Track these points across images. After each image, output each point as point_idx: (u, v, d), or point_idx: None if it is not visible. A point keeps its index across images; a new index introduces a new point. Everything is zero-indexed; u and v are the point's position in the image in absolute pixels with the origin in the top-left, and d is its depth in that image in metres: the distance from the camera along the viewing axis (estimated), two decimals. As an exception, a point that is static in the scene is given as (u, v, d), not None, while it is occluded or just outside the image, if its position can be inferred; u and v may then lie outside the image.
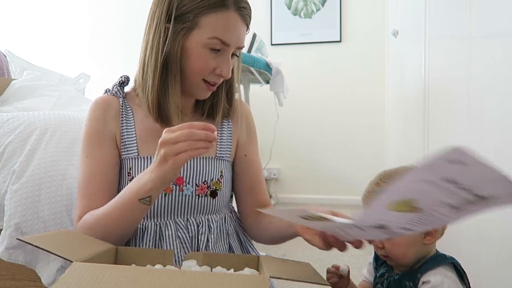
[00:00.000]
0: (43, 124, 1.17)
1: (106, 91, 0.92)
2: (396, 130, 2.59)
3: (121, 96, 0.91)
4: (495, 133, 1.00)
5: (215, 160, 0.90)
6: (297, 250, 2.01)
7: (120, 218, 0.75)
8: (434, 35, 1.61)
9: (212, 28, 0.80)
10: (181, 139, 0.66)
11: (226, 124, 0.95)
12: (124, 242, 0.80)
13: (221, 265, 0.68)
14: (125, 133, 0.87)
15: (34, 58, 2.30)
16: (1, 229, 1.08)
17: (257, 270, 0.69)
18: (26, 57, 2.10)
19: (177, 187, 0.85)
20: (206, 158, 0.89)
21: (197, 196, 0.86)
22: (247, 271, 0.66)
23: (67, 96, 1.64)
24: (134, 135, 0.87)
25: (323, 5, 3.14)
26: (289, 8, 3.20)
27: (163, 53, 0.81)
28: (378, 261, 0.91)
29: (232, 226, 0.92)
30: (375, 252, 0.88)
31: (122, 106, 0.89)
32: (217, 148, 0.92)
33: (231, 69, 0.85)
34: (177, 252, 0.82)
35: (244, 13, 0.83)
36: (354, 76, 3.11)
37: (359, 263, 1.87)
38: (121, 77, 0.94)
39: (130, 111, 0.89)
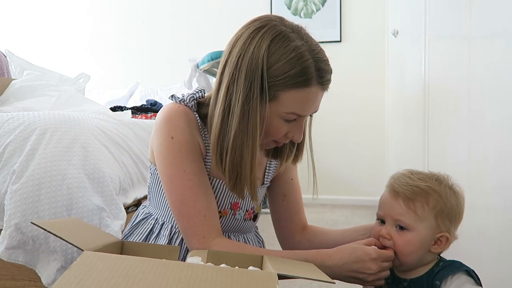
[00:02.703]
0: (43, 124, 1.17)
1: (179, 100, 0.84)
2: (396, 130, 2.59)
3: (195, 110, 0.84)
4: (495, 133, 1.00)
5: (262, 188, 0.95)
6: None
7: None
8: (434, 35, 1.61)
9: (291, 105, 0.76)
10: (382, 274, 0.73)
11: None
12: None
13: (225, 263, 0.69)
14: (206, 148, 0.84)
15: (34, 58, 2.30)
16: (1, 229, 1.08)
17: (261, 269, 0.69)
18: (26, 57, 2.10)
19: (232, 211, 0.89)
20: (257, 187, 0.89)
21: (244, 220, 0.92)
22: (251, 269, 0.66)
23: (67, 96, 1.64)
24: (210, 153, 0.82)
25: (323, 5, 3.14)
26: (289, 8, 3.20)
27: (245, 121, 0.75)
28: None
29: (260, 242, 0.99)
30: None
31: (199, 122, 0.84)
32: (265, 177, 0.95)
33: (302, 132, 0.84)
34: None
35: (327, 86, 0.80)
36: (354, 76, 3.11)
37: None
38: (198, 91, 0.86)
39: (205, 127, 0.85)
